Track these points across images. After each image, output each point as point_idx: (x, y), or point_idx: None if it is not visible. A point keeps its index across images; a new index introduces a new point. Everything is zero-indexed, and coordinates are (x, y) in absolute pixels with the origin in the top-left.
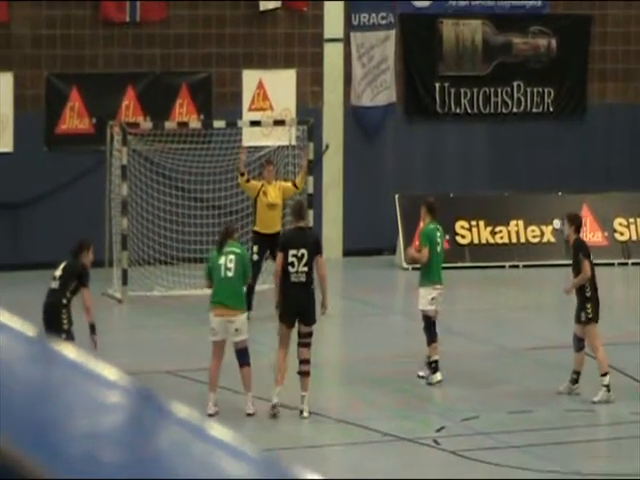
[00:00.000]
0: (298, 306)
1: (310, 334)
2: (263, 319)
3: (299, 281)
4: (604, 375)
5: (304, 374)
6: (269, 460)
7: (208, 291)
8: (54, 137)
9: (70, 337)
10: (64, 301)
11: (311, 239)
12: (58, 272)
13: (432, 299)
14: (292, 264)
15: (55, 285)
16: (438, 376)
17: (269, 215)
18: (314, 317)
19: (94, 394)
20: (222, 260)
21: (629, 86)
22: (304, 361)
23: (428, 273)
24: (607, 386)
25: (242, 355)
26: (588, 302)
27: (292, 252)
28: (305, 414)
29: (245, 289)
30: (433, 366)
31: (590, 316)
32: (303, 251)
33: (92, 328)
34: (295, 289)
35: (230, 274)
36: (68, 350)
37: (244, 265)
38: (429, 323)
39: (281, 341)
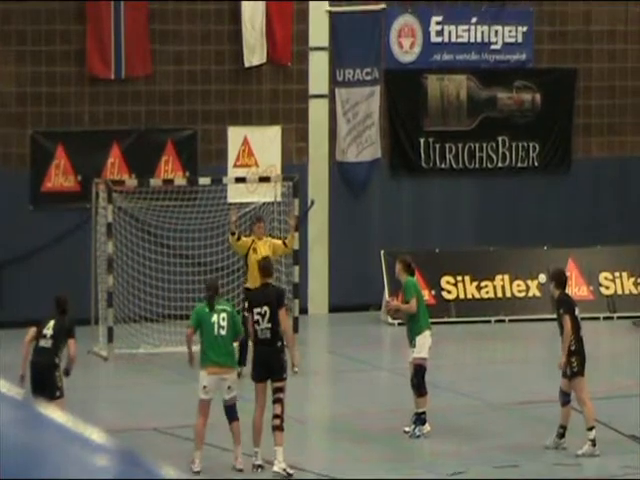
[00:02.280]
0: (265, 363)
1: (280, 389)
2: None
3: (265, 338)
4: (590, 429)
5: (276, 429)
6: None
7: (194, 348)
8: (39, 195)
9: (62, 394)
10: (56, 360)
11: (273, 294)
12: (49, 331)
13: (429, 348)
14: (257, 322)
15: (47, 344)
16: (427, 427)
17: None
18: (282, 373)
19: (81, 457)
20: (214, 318)
21: (614, 140)
22: (275, 416)
23: (420, 321)
24: (593, 440)
25: (232, 411)
26: (573, 356)
27: (256, 310)
28: (276, 468)
29: (237, 346)
30: (422, 417)
31: (576, 370)
32: (265, 308)
33: (67, 372)
34: (261, 346)
35: (223, 332)
36: (55, 413)
37: (235, 323)
38: (423, 374)
39: (256, 399)
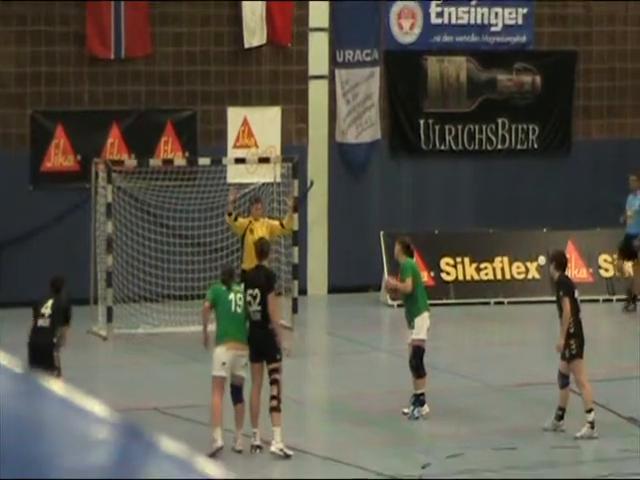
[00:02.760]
0: (257, 344)
1: (275, 370)
2: None
3: (256, 320)
4: (589, 412)
5: (272, 410)
6: None
7: (194, 328)
8: (39, 175)
9: (60, 374)
10: (54, 339)
11: (263, 277)
12: (47, 310)
13: (427, 329)
14: (249, 303)
15: (45, 323)
16: (426, 408)
17: None
18: (274, 354)
19: (83, 430)
20: (232, 296)
21: (614, 122)
22: (272, 397)
23: (418, 301)
24: (591, 423)
25: (239, 391)
26: (572, 338)
27: (249, 292)
28: (273, 449)
29: None
30: (421, 399)
31: (574, 352)
32: (256, 291)
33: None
34: (253, 328)
35: (239, 310)
36: (57, 386)
37: (245, 306)
38: (421, 355)
39: (252, 379)
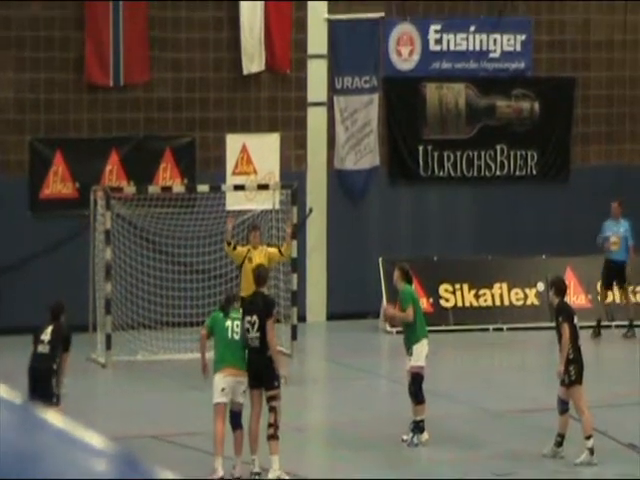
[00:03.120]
0: (255, 371)
1: (272, 398)
2: None
3: (254, 346)
4: (588, 438)
5: (270, 437)
6: None
7: (192, 355)
8: (38, 202)
9: (59, 401)
10: (54, 366)
11: (261, 304)
12: (46, 337)
13: (426, 356)
14: (248, 330)
15: (44, 350)
16: (426, 435)
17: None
18: (272, 382)
19: (81, 462)
20: (229, 323)
21: (612, 148)
22: (269, 425)
23: (417, 329)
24: (591, 449)
25: (238, 417)
26: (571, 364)
27: (247, 318)
28: (271, 476)
29: None
30: (421, 425)
31: (574, 378)
32: (254, 317)
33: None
34: (252, 354)
35: (237, 337)
36: (54, 418)
37: (243, 333)
38: (420, 382)
39: (251, 405)
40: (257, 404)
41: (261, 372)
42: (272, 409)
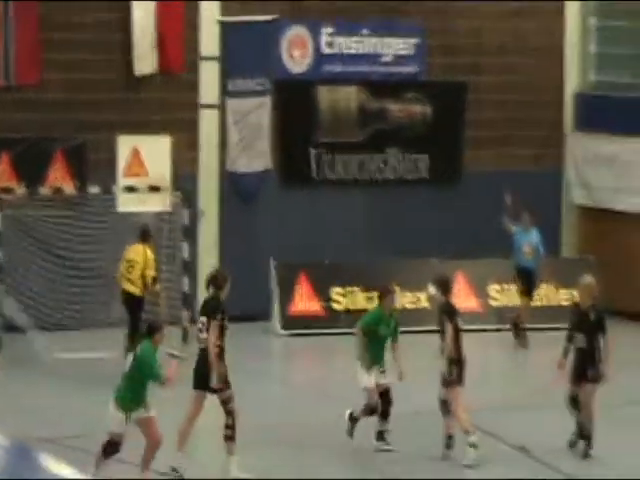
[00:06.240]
0: (199, 372)
1: (223, 401)
2: None
3: (202, 347)
4: (467, 433)
5: (224, 438)
6: None
7: (84, 355)
8: None
9: None
10: None
11: (207, 306)
12: None
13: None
14: (200, 331)
15: None
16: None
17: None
18: (219, 384)
19: None
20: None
21: (504, 153)
22: (226, 427)
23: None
24: (473, 444)
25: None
26: (452, 364)
27: (200, 319)
28: (231, 476)
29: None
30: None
31: (453, 378)
32: (203, 319)
33: None
34: (199, 355)
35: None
36: None
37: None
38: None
39: (190, 405)
40: (196, 406)
41: (204, 374)
42: (227, 412)
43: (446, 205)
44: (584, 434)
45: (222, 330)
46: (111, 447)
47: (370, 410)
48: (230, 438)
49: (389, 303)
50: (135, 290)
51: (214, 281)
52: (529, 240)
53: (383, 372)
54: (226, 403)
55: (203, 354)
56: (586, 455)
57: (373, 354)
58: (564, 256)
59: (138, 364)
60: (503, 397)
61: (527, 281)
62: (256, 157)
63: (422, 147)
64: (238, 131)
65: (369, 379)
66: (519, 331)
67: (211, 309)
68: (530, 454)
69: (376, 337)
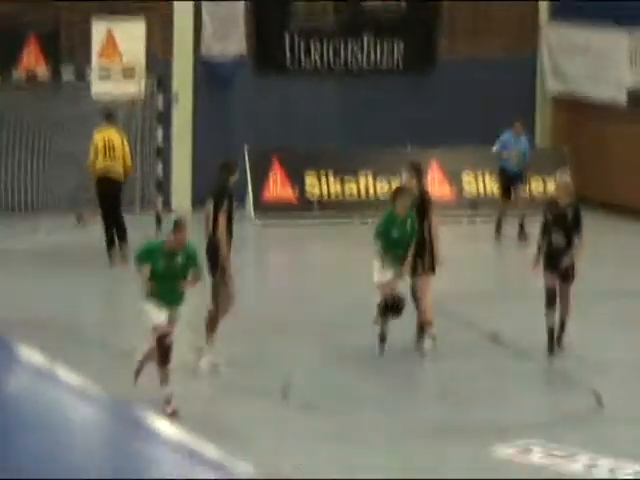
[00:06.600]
0: (208, 254)
1: (214, 288)
2: None
3: (210, 235)
4: (428, 325)
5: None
6: (118, 403)
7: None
8: None
9: None
10: None
11: (216, 192)
12: None
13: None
14: (207, 218)
15: None
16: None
17: None
18: (214, 268)
19: None
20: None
21: (479, 42)
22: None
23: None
24: (433, 337)
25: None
26: (426, 254)
27: (207, 207)
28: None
29: None
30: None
31: (426, 267)
32: (210, 206)
33: None
34: (208, 243)
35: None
36: None
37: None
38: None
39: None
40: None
41: (209, 256)
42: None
43: (420, 94)
44: (562, 323)
45: (230, 217)
46: (162, 348)
47: (386, 305)
48: (209, 328)
49: (402, 204)
50: (119, 177)
51: (226, 166)
52: (518, 147)
53: (400, 276)
54: (216, 291)
55: (211, 242)
56: (560, 342)
57: (389, 257)
58: (538, 146)
59: (189, 260)
60: (473, 287)
61: (508, 184)
62: (231, 43)
63: (397, 33)
64: (212, 17)
65: (382, 275)
66: (521, 234)
67: (218, 195)
68: (501, 341)
69: (389, 241)
